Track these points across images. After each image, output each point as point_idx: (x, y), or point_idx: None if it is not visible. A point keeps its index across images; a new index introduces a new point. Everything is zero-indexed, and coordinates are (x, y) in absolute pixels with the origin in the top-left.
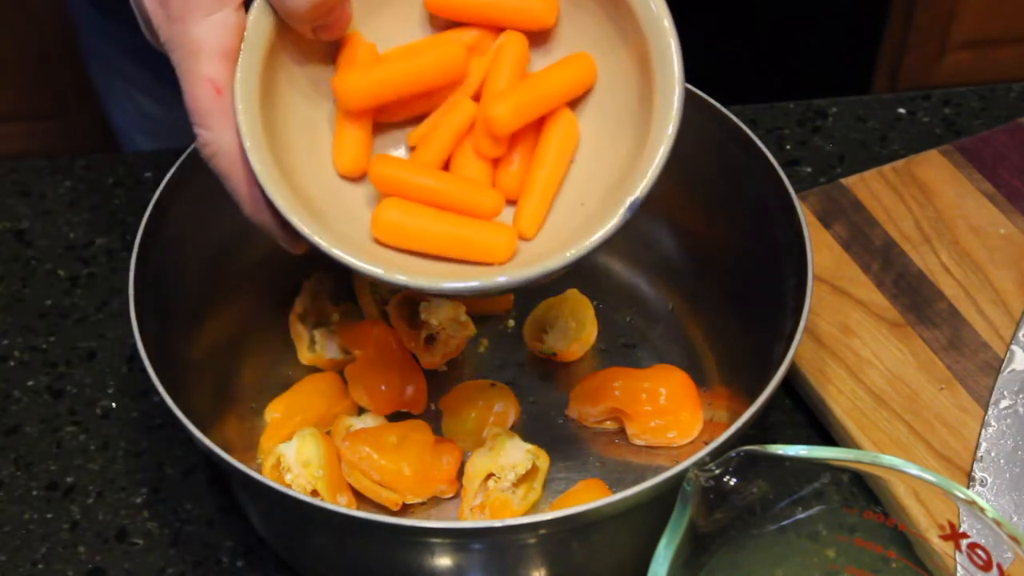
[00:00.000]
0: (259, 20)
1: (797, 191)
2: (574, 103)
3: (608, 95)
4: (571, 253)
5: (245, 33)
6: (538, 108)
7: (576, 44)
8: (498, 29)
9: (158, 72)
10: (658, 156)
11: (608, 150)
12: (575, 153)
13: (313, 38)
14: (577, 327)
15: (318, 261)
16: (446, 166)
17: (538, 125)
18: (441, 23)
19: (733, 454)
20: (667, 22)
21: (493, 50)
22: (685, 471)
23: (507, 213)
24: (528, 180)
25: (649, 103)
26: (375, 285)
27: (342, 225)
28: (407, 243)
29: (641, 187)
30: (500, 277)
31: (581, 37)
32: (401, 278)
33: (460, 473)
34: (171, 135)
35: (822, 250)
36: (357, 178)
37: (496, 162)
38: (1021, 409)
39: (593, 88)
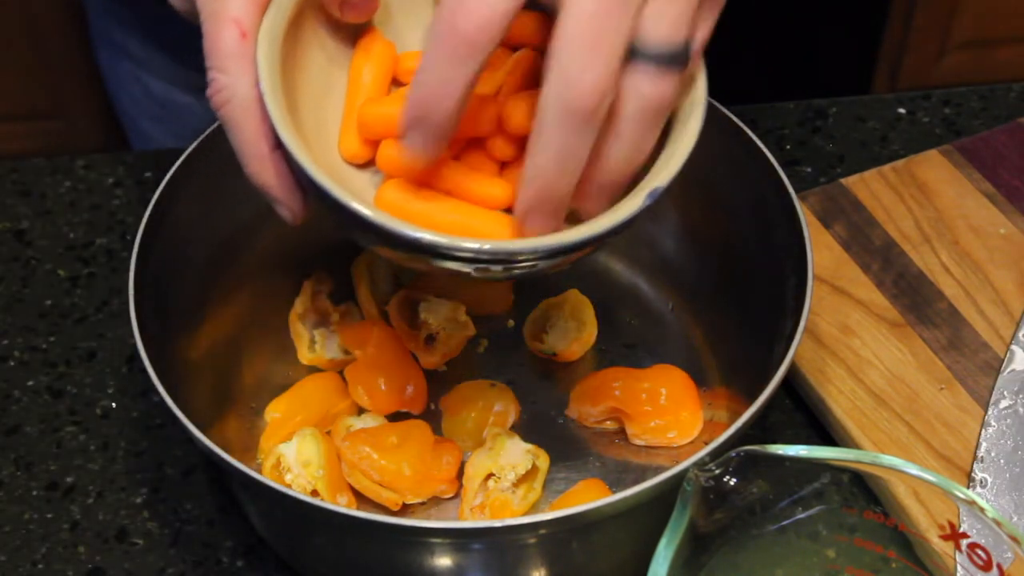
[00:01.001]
0: None
1: (797, 191)
2: None
3: None
4: (585, 230)
5: None
6: None
7: None
8: (513, 48)
9: (163, 50)
10: (682, 150)
11: None
12: None
13: (338, 15)
14: (577, 327)
15: (317, 261)
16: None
17: None
18: None
19: (733, 454)
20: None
21: (510, 62)
22: (685, 471)
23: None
24: None
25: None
26: (375, 284)
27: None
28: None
29: (662, 177)
30: (517, 244)
31: None
32: (408, 231)
33: (460, 473)
34: (176, 118)
35: (822, 250)
36: (361, 165)
37: (503, 166)
38: (1021, 409)
39: None
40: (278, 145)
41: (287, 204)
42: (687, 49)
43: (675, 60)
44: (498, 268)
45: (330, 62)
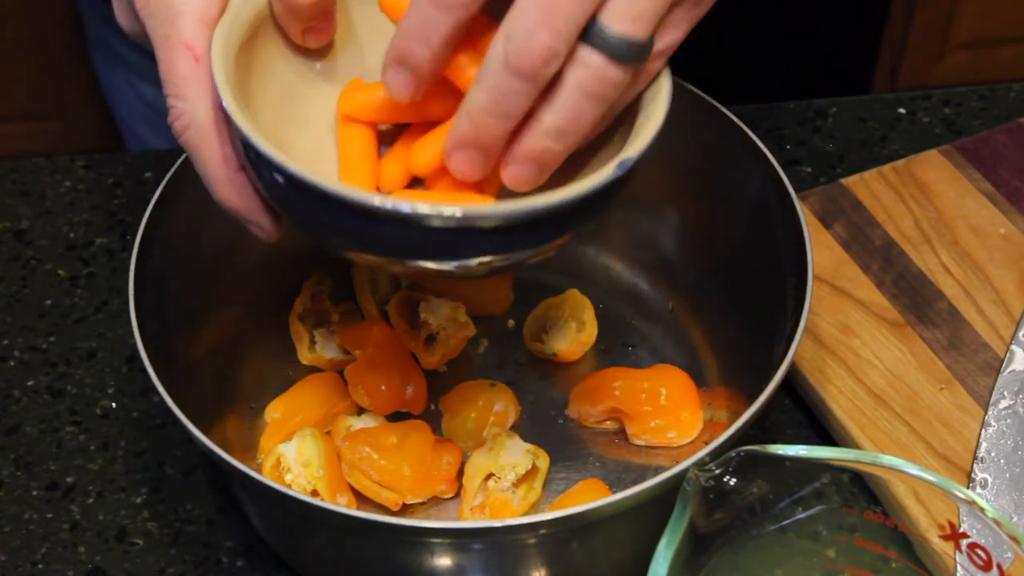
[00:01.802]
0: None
1: (797, 191)
2: None
3: None
4: (550, 197)
5: (230, 3)
6: None
7: None
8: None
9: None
10: (652, 124)
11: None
12: None
13: (300, 42)
14: (577, 327)
15: (317, 261)
16: None
17: None
18: None
19: (733, 454)
20: None
21: None
22: (685, 471)
23: None
24: None
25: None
26: (375, 284)
27: None
28: None
29: (634, 147)
30: (485, 208)
31: None
32: (378, 200)
33: (460, 473)
34: None
35: (822, 250)
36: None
37: None
38: (1021, 409)
39: None
40: (241, 167)
41: (257, 223)
42: (645, 47)
43: (629, 55)
44: (476, 261)
45: (288, 66)
